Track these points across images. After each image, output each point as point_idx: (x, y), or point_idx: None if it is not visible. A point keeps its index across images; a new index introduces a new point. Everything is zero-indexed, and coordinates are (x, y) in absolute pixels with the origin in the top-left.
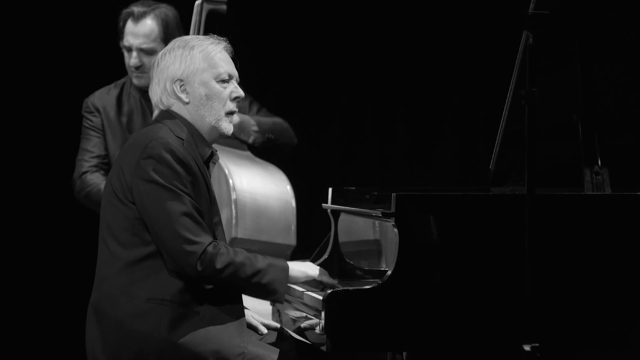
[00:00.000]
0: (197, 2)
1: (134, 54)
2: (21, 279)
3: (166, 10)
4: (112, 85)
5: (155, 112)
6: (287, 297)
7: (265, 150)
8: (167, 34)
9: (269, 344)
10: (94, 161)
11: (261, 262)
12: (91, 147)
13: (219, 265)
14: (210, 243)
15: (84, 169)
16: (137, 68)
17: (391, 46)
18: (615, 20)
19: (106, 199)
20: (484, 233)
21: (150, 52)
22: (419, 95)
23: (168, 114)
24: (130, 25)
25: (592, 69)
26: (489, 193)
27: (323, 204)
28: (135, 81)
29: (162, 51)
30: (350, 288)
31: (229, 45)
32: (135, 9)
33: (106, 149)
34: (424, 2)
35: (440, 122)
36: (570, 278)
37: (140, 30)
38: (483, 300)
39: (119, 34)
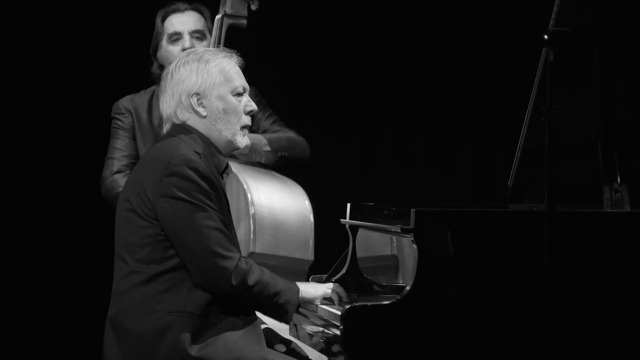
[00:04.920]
0: (217, 17)
1: (187, 37)
2: (36, 292)
3: (202, 7)
4: (142, 91)
5: (167, 126)
6: (303, 311)
7: (278, 167)
8: (209, 27)
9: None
10: (125, 160)
11: (280, 283)
12: (121, 145)
13: (250, 282)
14: (240, 258)
15: (115, 168)
16: None
17: (411, 61)
18: (635, 37)
19: (123, 215)
20: (502, 249)
21: (201, 37)
22: (438, 110)
23: (183, 128)
24: (176, 16)
25: (611, 86)
26: (508, 209)
27: (341, 220)
28: None
29: (175, 64)
30: (369, 303)
31: (240, 58)
32: (177, 3)
33: (136, 150)
34: (444, 18)
35: (459, 137)
36: (588, 295)
37: (189, 17)
38: (501, 316)
39: (157, 33)
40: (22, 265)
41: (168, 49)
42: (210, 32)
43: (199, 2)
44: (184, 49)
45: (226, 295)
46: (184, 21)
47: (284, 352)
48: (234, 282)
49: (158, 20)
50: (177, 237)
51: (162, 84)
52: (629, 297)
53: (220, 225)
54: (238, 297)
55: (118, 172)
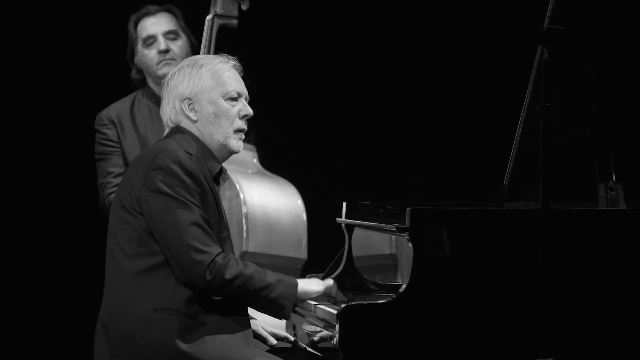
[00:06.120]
0: (208, 18)
1: (161, 39)
2: (31, 294)
3: (173, 6)
4: (123, 98)
5: (166, 131)
6: (300, 310)
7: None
8: (182, 25)
9: (280, 355)
10: (117, 180)
11: (270, 276)
12: (111, 167)
13: (228, 276)
14: (219, 253)
15: (109, 190)
16: (167, 52)
17: (406, 59)
18: (630, 35)
19: (114, 212)
20: (498, 248)
21: (175, 36)
22: (433, 109)
23: (177, 130)
24: (148, 19)
25: (606, 84)
26: (503, 208)
27: (337, 219)
28: (164, 70)
29: (172, 71)
30: (364, 302)
31: (239, 64)
32: (147, 7)
33: (125, 163)
34: (439, 16)
35: (455, 136)
36: (584, 293)
37: (160, 19)
38: (497, 315)
39: (131, 39)
40: (16, 267)
41: (144, 53)
42: (184, 31)
43: (170, 2)
44: (159, 51)
45: (205, 290)
46: (156, 23)
47: (280, 355)
48: (208, 277)
49: (131, 26)
50: (158, 231)
51: (161, 91)
52: (625, 295)
53: (199, 220)
54: (218, 293)
55: (112, 193)
